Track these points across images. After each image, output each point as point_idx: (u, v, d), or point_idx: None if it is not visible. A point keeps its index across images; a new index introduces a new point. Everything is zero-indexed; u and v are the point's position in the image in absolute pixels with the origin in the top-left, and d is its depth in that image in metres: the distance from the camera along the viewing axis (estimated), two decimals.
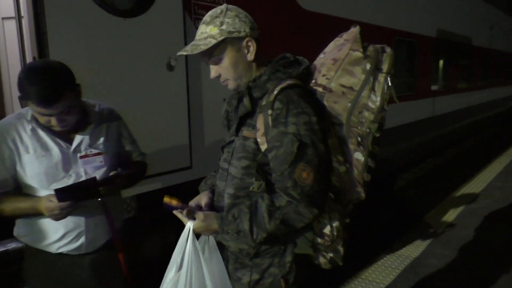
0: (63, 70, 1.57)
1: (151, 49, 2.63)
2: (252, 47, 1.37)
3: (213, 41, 1.32)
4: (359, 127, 1.36)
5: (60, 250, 1.67)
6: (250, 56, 1.38)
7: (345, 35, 1.46)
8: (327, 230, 1.38)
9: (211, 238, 1.45)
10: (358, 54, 1.37)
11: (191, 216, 1.39)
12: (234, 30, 1.34)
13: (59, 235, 1.66)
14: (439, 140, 7.77)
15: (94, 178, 1.59)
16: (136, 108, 2.54)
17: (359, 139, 1.36)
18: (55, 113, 1.54)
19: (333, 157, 1.35)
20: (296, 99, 1.30)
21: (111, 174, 1.69)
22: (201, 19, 1.44)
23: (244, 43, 1.36)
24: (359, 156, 1.37)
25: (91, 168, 1.68)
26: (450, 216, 4.48)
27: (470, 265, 3.37)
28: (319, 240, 1.39)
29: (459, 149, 9.16)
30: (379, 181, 5.28)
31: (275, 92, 1.31)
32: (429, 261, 3.41)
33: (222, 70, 1.38)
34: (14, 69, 2.90)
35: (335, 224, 1.39)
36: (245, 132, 1.39)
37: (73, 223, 1.66)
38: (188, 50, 1.35)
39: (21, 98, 1.56)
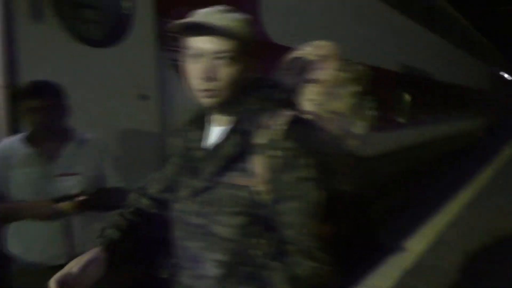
0: (55, 84, 1.88)
1: (122, 79, 2.60)
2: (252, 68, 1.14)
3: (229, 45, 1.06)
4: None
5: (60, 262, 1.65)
6: (247, 75, 1.12)
7: (314, 49, 1.28)
8: None
9: None
10: (344, 75, 1.22)
11: None
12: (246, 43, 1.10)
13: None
14: (406, 172, 7.90)
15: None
16: (106, 138, 2.48)
17: None
18: (41, 105, 1.78)
19: None
20: (305, 135, 1.08)
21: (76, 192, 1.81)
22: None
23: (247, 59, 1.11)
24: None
25: (66, 187, 1.82)
26: (422, 247, 4.52)
27: None
28: None
29: (426, 180, 9.38)
30: (350, 212, 5.29)
31: (278, 126, 1.06)
32: None
33: (221, 76, 1.06)
34: None
35: None
36: (234, 178, 1.07)
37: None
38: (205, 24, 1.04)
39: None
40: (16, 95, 1.83)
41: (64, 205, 1.73)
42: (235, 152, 1.07)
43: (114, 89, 2.57)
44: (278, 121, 1.07)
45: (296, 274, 1.00)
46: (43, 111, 1.79)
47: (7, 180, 1.85)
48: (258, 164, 1.05)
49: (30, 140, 1.88)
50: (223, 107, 1.11)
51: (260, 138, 1.07)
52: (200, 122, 1.22)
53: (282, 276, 0.99)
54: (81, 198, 1.77)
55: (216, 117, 1.16)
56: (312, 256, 1.01)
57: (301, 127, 1.08)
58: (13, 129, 2.25)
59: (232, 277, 1.07)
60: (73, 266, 1.07)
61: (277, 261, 1.02)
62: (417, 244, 4.60)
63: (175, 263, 1.20)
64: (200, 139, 1.20)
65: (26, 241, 1.89)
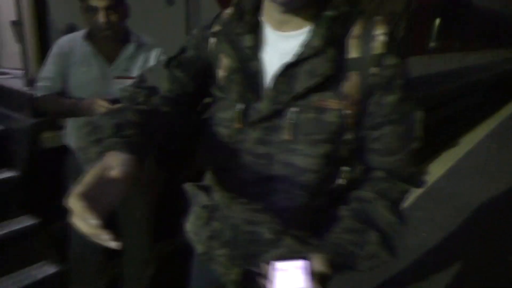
0: None
1: None
2: None
3: None
4: None
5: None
6: None
7: None
8: None
9: None
10: None
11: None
12: None
13: None
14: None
15: None
16: None
17: None
18: (102, 4, 1.72)
19: None
20: (398, 47, 0.87)
21: None
22: None
23: None
24: None
25: None
26: (438, 173, 4.57)
27: (454, 220, 3.48)
28: None
29: (453, 109, 9.20)
30: None
31: (380, 38, 0.83)
32: (416, 213, 3.51)
33: None
34: None
35: None
36: (321, 100, 0.85)
37: None
38: None
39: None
40: None
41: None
42: (321, 67, 0.83)
43: None
44: (375, 31, 0.84)
45: (397, 198, 0.91)
46: (104, 10, 1.75)
47: (66, 76, 1.87)
48: (350, 83, 0.85)
49: (90, 38, 1.86)
50: (300, 3, 0.83)
51: (354, 51, 0.85)
52: (253, 23, 0.91)
53: (383, 204, 0.89)
54: None
55: (285, 18, 0.87)
56: (411, 179, 0.93)
57: (396, 38, 0.87)
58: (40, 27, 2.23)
59: (308, 209, 0.93)
60: (99, 172, 0.73)
61: (366, 190, 0.91)
62: (435, 168, 4.65)
63: (223, 194, 0.99)
64: (256, 46, 0.90)
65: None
